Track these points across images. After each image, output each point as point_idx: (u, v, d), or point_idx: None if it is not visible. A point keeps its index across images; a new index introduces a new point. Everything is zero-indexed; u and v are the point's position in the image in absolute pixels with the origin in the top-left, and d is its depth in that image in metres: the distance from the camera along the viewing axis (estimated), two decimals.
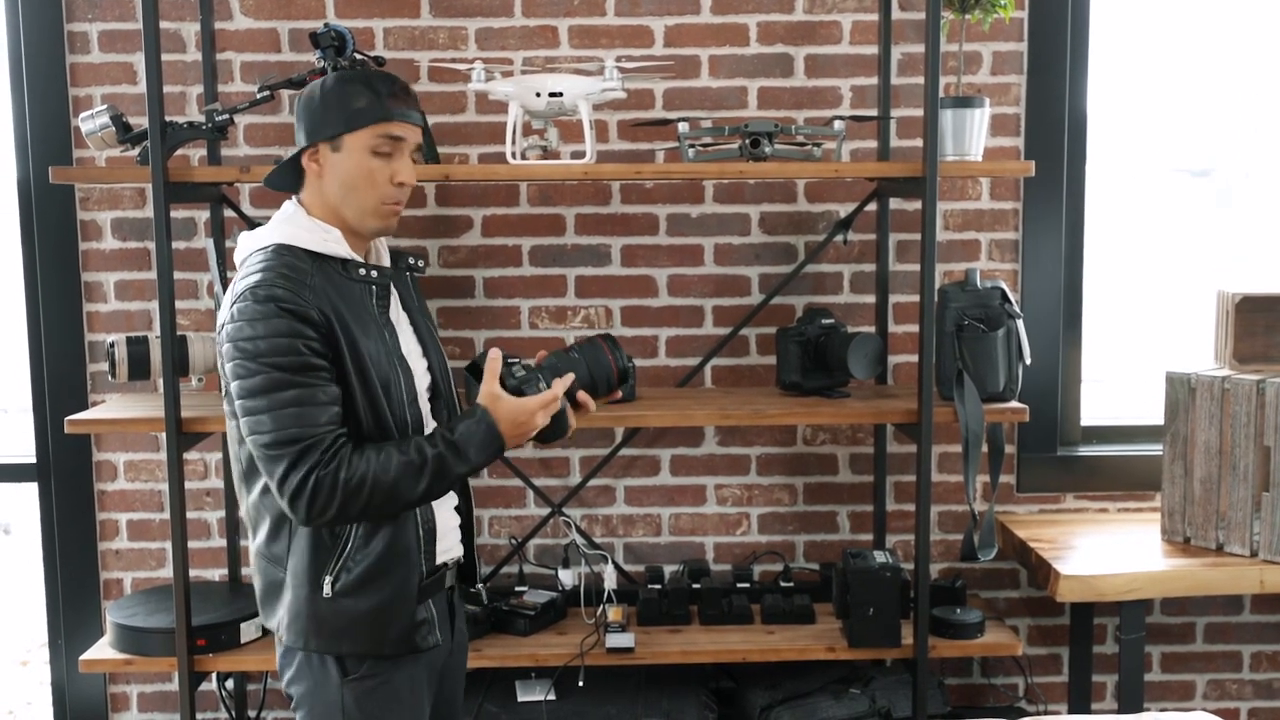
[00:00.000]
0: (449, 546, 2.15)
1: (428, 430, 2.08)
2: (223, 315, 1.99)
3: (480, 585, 2.27)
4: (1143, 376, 3.42)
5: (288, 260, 1.98)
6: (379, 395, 2.00)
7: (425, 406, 2.12)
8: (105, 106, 2.76)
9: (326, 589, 2.01)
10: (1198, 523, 2.99)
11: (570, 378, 2.09)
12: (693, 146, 2.83)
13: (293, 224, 2.05)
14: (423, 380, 2.12)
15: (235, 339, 1.93)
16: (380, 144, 2.02)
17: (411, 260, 2.22)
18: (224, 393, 2.04)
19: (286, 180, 2.10)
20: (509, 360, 2.08)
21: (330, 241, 2.03)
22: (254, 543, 2.10)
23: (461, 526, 2.20)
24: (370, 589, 2.02)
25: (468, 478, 2.07)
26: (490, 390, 2.03)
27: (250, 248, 2.05)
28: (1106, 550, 3.02)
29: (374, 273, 2.06)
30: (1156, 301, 3.57)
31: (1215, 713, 2.67)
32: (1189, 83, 3.46)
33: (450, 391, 2.20)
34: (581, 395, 2.11)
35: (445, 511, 2.14)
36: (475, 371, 2.12)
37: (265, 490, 2.02)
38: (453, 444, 1.98)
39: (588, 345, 2.15)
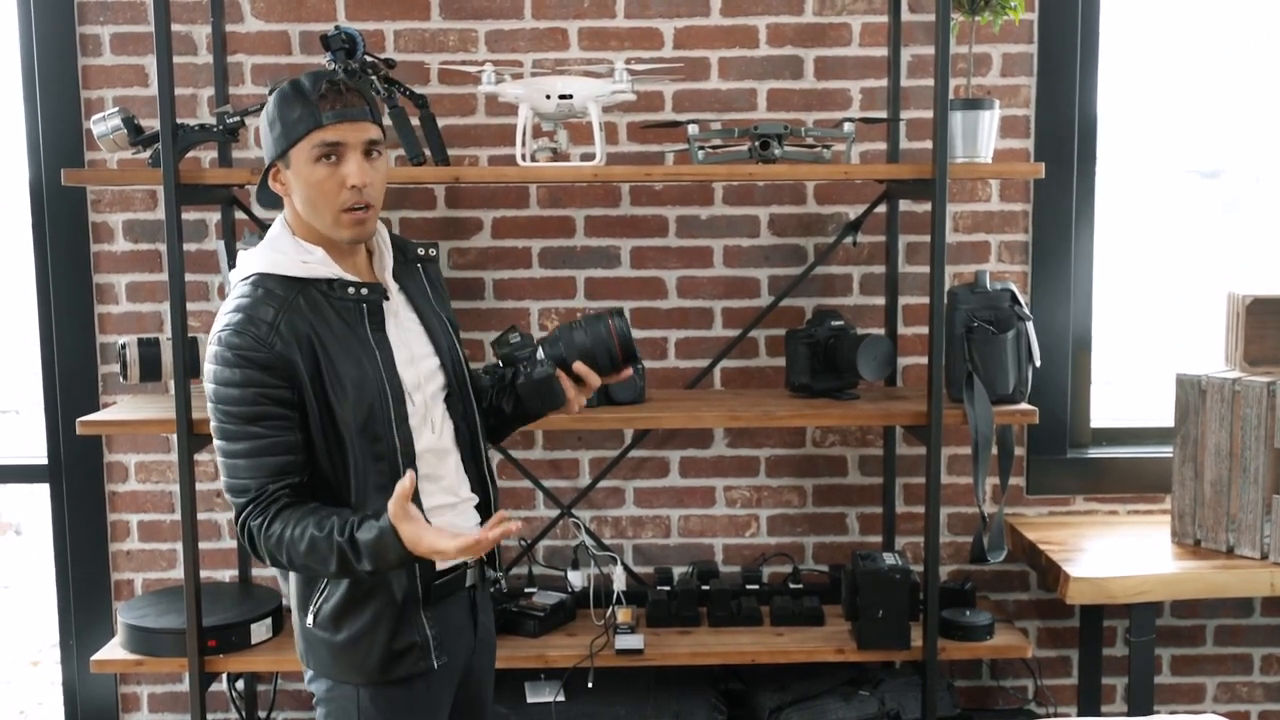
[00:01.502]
0: None
1: (425, 443, 2.05)
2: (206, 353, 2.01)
3: (500, 574, 2.25)
4: (1152, 379, 3.41)
5: (261, 296, 1.96)
6: (349, 428, 1.97)
7: (436, 410, 2.08)
8: (117, 109, 2.77)
9: (309, 619, 2.06)
10: (1208, 525, 2.98)
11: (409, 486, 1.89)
12: (702, 148, 2.83)
13: (274, 248, 2.03)
14: (433, 383, 2.09)
15: (206, 378, 1.97)
16: (320, 151, 1.94)
17: (421, 250, 2.18)
18: None
19: (275, 199, 2.08)
20: (508, 330, 2.14)
21: (313, 264, 2.00)
22: None
23: (482, 525, 2.16)
24: (344, 622, 2.04)
25: (381, 574, 1.96)
26: (398, 509, 1.85)
27: (239, 274, 2.04)
28: (1116, 552, 3.01)
29: (363, 290, 2.02)
30: (1166, 304, 3.56)
31: (1225, 715, 2.66)
32: (1199, 85, 3.45)
33: (466, 390, 2.14)
34: (580, 368, 2.11)
35: (455, 517, 2.10)
36: (506, 357, 2.14)
37: None
38: (354, 542, 1.89)
39: (593, 318, 2.15)
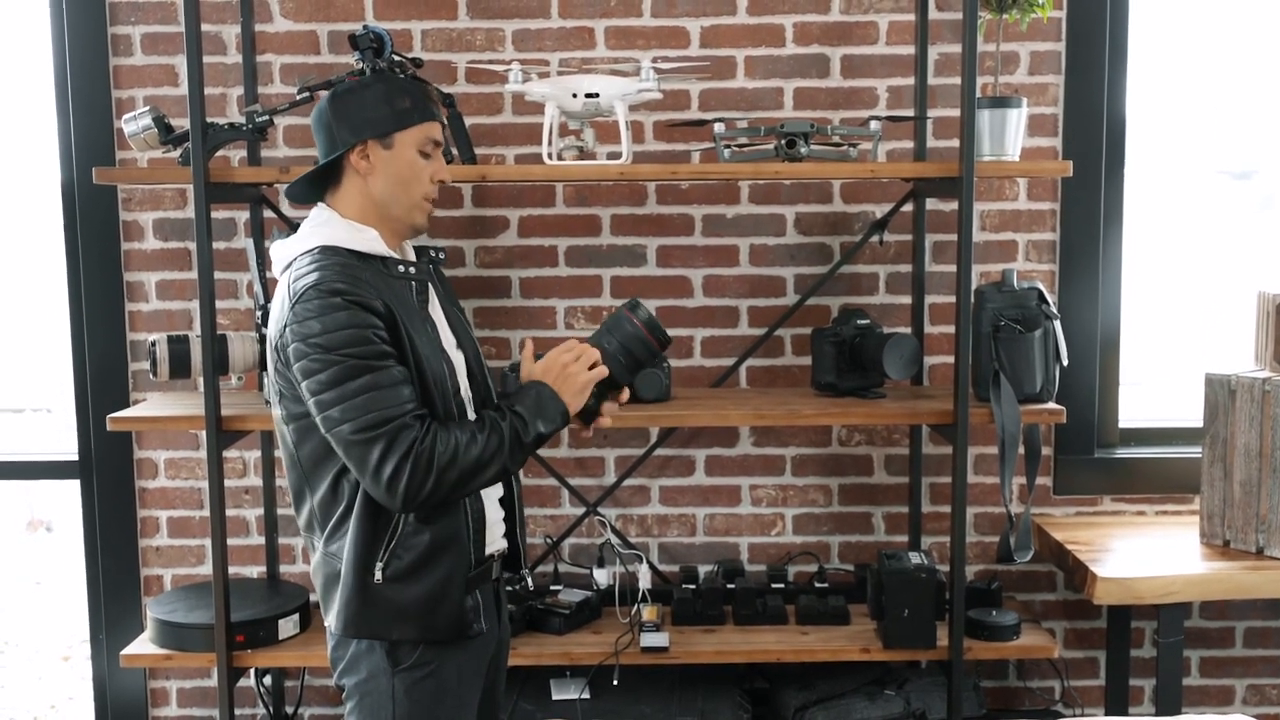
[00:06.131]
0: (494, 538, 2.18)
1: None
2: (281, 317, 2.00)
3: (525, 571, 2.28)
4: (1181, 379, 3.39)
5: (338, 260, 2.02)
6: (432, 389, 2.03)
7: (467, 397, 2.15)
8: (147, 108, 2.79)
9: (378, 575, 2.04)
10: (1237, 525, 2.96)
11: (599, 369, 2.10)
12: (728, 147, 2.83)
13: (330, 227, 2.09)
14: (461, 371, 2.16)
15: (305, 336, 1.95)
16: (427, 145, 2.11)
17: (433, 252, 2.25)
18: (277, 399, 2.07)
19: (311, 190, 2.14)
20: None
21: (369, 241, 2.07)
22: (318, 546, 2.12)
23: (505, 519, 2.22)
24: (420, 576, 2.05)
25: (538, 447, 2.09)
26: (528, 368, 2.13)
27: (292, 253, 2.08)
28: (1144, 553, 2.99)
29: (412, 269, 2.11)
30: (1195, 304, 3.54)
31: (1255, 717, 2.64)
32: (1229, 85, 3.42)
33: (485, 380, 2.22)
34: (607, 406, 2.15)
35: (492, 504, 2.17)
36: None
37: (332, 488, 2.05)
38: (518, 414, 2.03)
39: (614, 319, 2.14)
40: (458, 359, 2.15)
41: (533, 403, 2.04)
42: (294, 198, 2.17)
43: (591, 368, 2.08)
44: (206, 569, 3.32)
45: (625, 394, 2.17)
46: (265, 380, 2.86)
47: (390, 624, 2.06)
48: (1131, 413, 3.38)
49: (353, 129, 2.08)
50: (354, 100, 2.09)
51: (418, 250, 2.22)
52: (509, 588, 2.32)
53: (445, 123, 2.17)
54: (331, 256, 2.02)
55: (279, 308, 2.02)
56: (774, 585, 3.19)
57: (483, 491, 2.12)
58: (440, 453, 1.94)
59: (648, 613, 3.01)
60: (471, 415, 2.13)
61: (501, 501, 2.20)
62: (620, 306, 2.15)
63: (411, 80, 2.14)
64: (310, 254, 2.04)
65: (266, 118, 2.82)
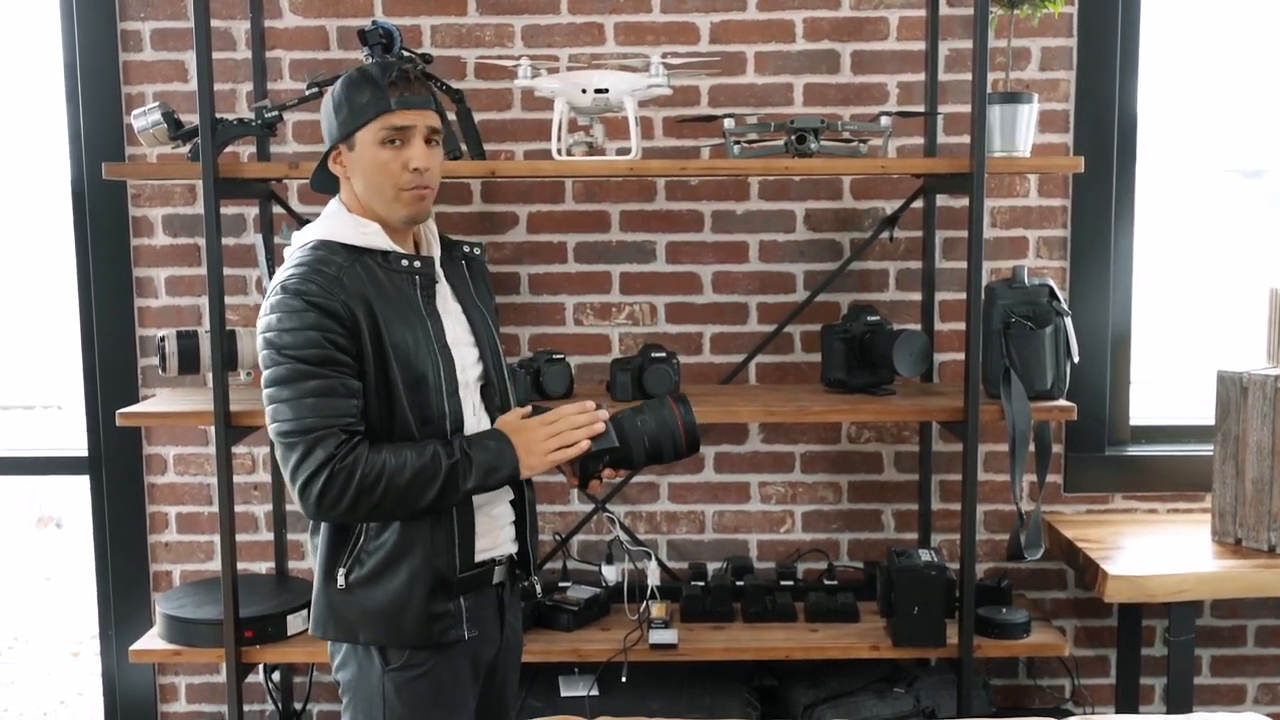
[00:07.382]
0: (495, 544, 2.14)
1: (468, 423, 2.09)
2: (261, 310, 2.04)
3: (534, 577, 2.25)
4: (1192, 377, 3.37)
5: (323, 255, 2.02)
6: (399, 387, 2.01)
7: (474, 398, 2.13)
8: (157, 104, 2.79)
9: (340, 580, 2.06)
10: (1249, 524, 2.95)
11: (584, 446, 2.05)
12: (738, 143, 2.82)
13: (335, 220, 2.10)
14: (473, 371, 2.13)
15: (264, 331, 2.00)
16: (387, 134, 2.03)
17: (466, 248, 2.24)
18: None
19: (327, 183, 2.15)
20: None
21: (369, 235, 2.07)
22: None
23: (515, 522, 2.19)
24: (381, 581, 2.04)
25: (476, 493, 2.05)
26: (510, 416, 2.10)
27: (297, 243, 2.10)
28: (1155, 551, 2.99)
29: (416, 263, 2.09)
30: (1207, 301, 3.53)
31: (1268, 716, 2.62)
32: (1240, 83, 3.41)
33: (503, 382, 2.19)
34: (607, 472, 2.10)
35: (495, 507, 2.13)
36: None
37: None
38: (467, 455, 1.99)
39: (657, 410, 2.09)
40: (465, 357, 2.12)
41: (484, 455, 2.01)
42: (318, 189, 2.18)
43: (580, 439, 2.05)
44: (215, 565, 3.31)
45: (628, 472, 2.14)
46: None
47: (355, 627, 2.07)
48: (1143, 410, 3.37)
49: (327, 135, 2.09)
50: (327, 104, 2.08)
51: (449, 244, 2.21)
52: (523, 584, 2.28)
53: (420, 104, 2.05)
54: (319, 251, 2.03)
55: (265, 301, 2.05)
56: (783, 582, 3.17)
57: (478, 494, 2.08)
58: (365, 472, 1.94)
59: (657, 610, 3.00)
60: (472, 415, 2.11)
61: (512, 504, 2.18)
62: (668, 395, 2.11)
63: (382, 66, 2.05)
64: (304, 248, 2.06)
65: (276, 113, 2.82)
